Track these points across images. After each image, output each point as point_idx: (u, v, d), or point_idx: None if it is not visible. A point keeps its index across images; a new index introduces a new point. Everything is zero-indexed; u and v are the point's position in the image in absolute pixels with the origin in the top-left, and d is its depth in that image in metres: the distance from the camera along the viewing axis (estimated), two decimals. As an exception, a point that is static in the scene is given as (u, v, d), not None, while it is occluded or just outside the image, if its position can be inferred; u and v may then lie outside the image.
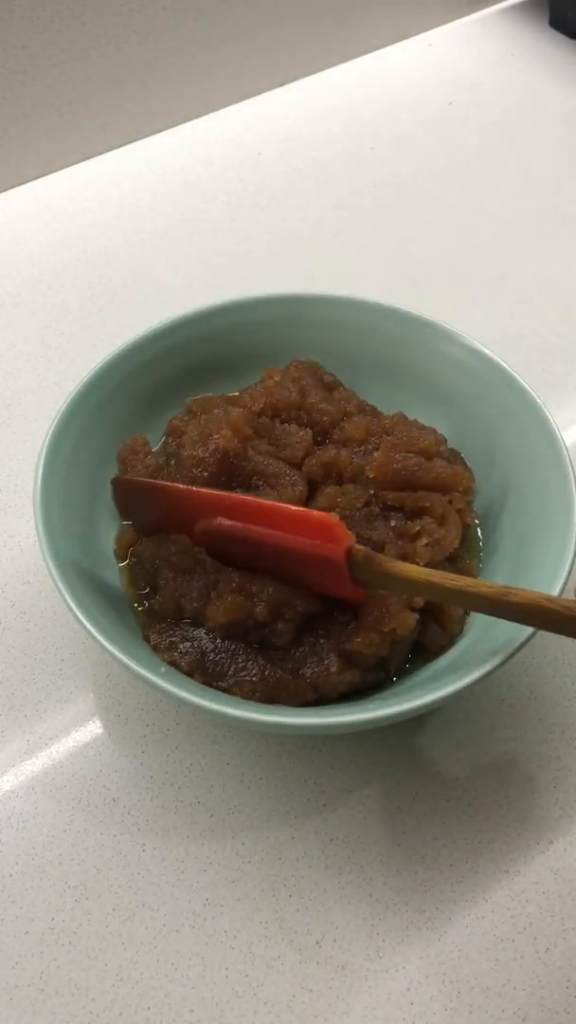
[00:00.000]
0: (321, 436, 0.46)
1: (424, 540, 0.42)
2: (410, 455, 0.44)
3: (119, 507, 0.46)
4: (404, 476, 0.44)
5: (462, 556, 0.44)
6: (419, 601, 0.40)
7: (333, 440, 0.46)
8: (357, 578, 0.39)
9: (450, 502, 0.44)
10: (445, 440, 0.47)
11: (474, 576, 0.44)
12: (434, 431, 0.46)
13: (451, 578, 0.37)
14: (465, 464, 0.47)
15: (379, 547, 0.42)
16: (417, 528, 0.42)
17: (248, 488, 0.43)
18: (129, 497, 0.45)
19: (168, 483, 0.43)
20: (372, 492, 0.43)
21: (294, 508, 0.41)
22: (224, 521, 0.40)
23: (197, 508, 0.41)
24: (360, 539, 0.42)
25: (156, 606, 0.42)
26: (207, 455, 0.43)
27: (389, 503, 0.43)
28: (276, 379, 0.47)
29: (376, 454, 0.44)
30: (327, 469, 0.44)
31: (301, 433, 0.45)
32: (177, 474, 0.44)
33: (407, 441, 0.45)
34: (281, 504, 0.41)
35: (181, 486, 0.42)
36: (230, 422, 0.43)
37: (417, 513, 0.43)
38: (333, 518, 0.39)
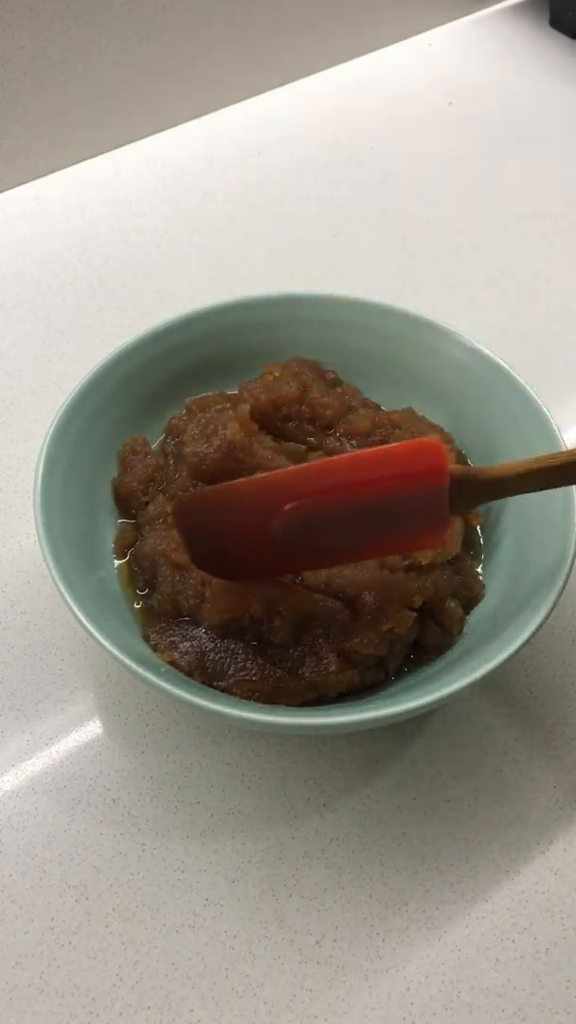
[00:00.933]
0: (324, 430, 0.46)
1: None
2: None
3: (187, 545, 0.40)
4: None
5: (463, 557, 0.44)
6: (417, 600, 0.40)
7: (337, 434, 0.46)
8: (454, 501, 0.36)
9: None
10: (452, 439, 0.47)
11: (475, 577, 0.44)
12: (441, 429, 0.46)
13: (550, 457, 0.35)
14: (468, 464, 0.47)
15: None
16: None
17: None
18: (193, 522, 0.40)
19: (231, 483, 0.39)
20: None
21: (384, 448, 0.37)
22: (298, 504, 0.36)
23: (269, 499, 0.37)
24: None
25: (155, 603, 0.42)
26: (211, 450, 0.43)
27: None
28: (276, 374, 0.47)
29: (391, 440, 0.44)
30: None
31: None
32: (177, 472, 0.44)
33: (417, 436, 0.45)
34: (368, 450, 0.37)
35: (248, 479, 0.38)
36: (238, 416, 0.44)
37: None
38: (434, 440, 0.35)
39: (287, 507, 0.36)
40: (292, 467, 0.37)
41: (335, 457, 0.38)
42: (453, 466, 0.36)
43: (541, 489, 0.37)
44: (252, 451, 0.43)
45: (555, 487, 0.38)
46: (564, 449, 0.43)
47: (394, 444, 0.37)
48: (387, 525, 0.37)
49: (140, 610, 0.43)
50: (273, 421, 0.46)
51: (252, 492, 0.38)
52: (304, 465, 0.38)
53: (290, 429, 0.45)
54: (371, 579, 0.40)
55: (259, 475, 0.38)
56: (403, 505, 0.36)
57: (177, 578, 0.41)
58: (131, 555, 0.45)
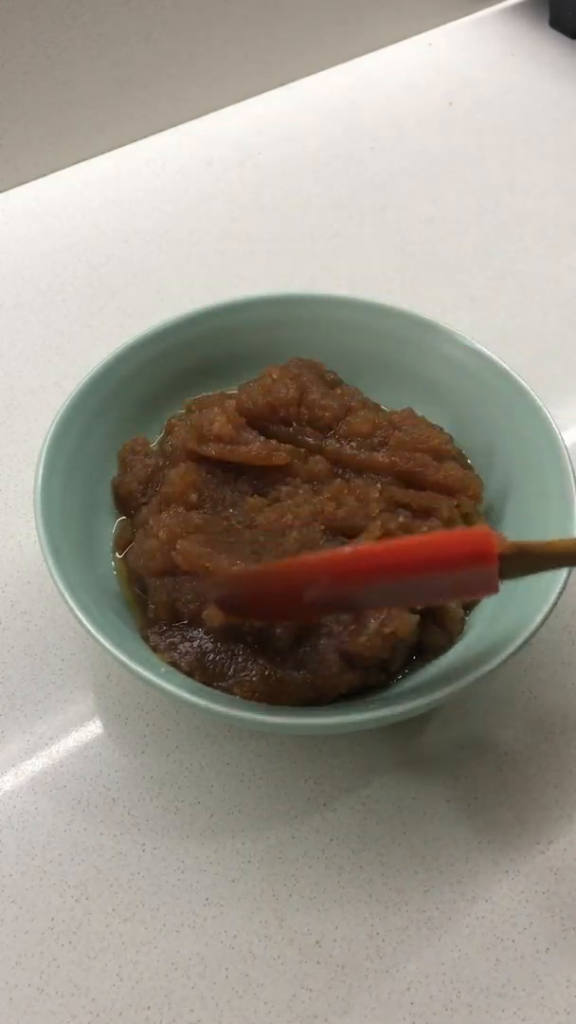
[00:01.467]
0: (323, 432, 0.46)
1: None
2: (419, 454, 0.44)
3: (226, 611, 0.37)
4: (416, 473, 0.44)
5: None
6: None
7: (337, 435, 0.46)
8: (504, 572, 0.34)
9: (457, 506, 0.44)
10: (451, 439, 0.47)
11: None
12: (441, 429, 0.46)
13: None
14: (468, 465, 0.47)
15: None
16: (425, 529, 0.42)
17: (240, 477, 0.44)
18: (231, 607, 0.37)
19: (261, 568, 0.37)
20: (380, 487, 0.43)
21: (431, 538, 0.35)
22: (335, 581, 0.34)
23: (302, 582, 0.34)
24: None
25: (151, 613, 0.42)
26: (197, 447, 0.43)
27: (397, 500, 0.43)
28: (275, 376, 0.47)
29: (391, 441, 0.44)
30: (332, 464, 0.44)
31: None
32: (166, 471, 0.45)
33: (418, 438, 0.45)
34: (414, 540, 0.35)
35: (278, 564, 0.36)
36: (225, 410, 0.44)
37: (425, 513, 0.43)
38: (482, 531, 0.33)
39: (324, 582, 0.34)
40: (328, 553, 0.35)
41: (377, 545, 0.36)
42: (504, 544, 0.33)
43: None
44: (243, 440, 0.43)
45: None
46: (564, 448, 0.43)
47: (439, 534, 0.36)
48: (432, 594, 0.36)
49: (140, 610, 0.43)
50: (271, 425, 0.46)
51: (284, 575, 0.35)
52: (341, 552, 0.35)
53: (289, 433, 0.45)
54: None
55: (290, 560, 0.36)
56: (449, 581, 0.34)
57: (171, 586, 0.41)
58: (126, 558, 0.45)
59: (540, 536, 0.42)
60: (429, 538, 0.35)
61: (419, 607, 0.39)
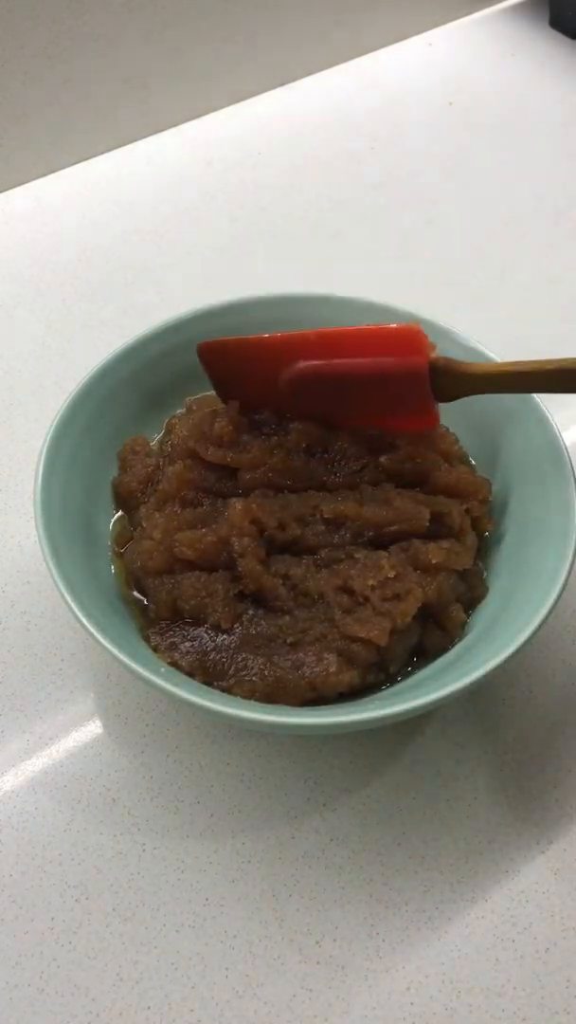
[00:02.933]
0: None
1: (445, 544, 0.42)
2: (429, 456, 0.44)
3: (212, 380, 0.46)
4: (425, 475, 0.44)
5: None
6: (417, 591, 0.40)
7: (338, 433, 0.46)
8: (437, 389, 0.41)
9: (467, 510, 0.44)
10: (457, 439, 0.47)
11: (480, 580, 0.44)
12: (447, 429, 0.46)
13: (524, 363, 0.40)
14: (472, 467, 0.47)
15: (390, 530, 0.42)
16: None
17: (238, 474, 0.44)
18: (216, 363, 0.45)
19: (249, 336, 0.44)
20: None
21: (374, 326, 0.43)
22: (304, 363, 0.42)
23: (279, 355, 0.43)
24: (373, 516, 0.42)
25: (151, 615, 0.42)
26: (196, 446, 0.44)
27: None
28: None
29: (399, 443, 0.44)
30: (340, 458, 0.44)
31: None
32: (164, 471, 0.45)
33: (427, 439, 0.45)
34: (361, 327, 0.43)
35: (261, 336, 0.43)
36: (226, 411, 0.44)
37: (434, 517, 0.43)
38: (415, 326, 0.41)
39: (295, 366, 0.42)
40: (293, 333, 0.43)
41: (334, 328, 0.43)
42: (435, 356, 0.41)
43: (515, 392, 0.42)
44: (242, 443, 0.44)
45: (527, 392, 0.43)
46: (564, 448, 0.43)
47: (385, 326, 0.44)
48: (377, 397, 0.42)
49: (140, 610, 0.43)
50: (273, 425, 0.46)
51: (263, 346, 0.43)
52: (305, 332, 0.43)
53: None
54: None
55: (264, 336, 0.43)
56: (391, 381, 0.42)
57: (170, 584, 0.41)
58: (123, 557, 0.45)
59: (540, 539, 0.42)
60: (376, 326, 0.44)
61: (372, 419, 0.44)
